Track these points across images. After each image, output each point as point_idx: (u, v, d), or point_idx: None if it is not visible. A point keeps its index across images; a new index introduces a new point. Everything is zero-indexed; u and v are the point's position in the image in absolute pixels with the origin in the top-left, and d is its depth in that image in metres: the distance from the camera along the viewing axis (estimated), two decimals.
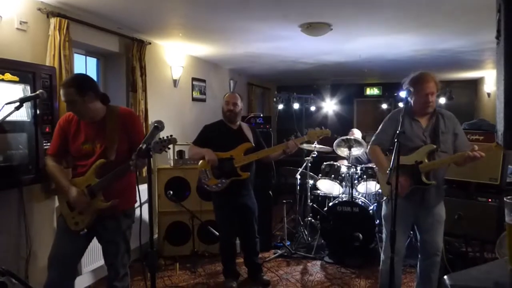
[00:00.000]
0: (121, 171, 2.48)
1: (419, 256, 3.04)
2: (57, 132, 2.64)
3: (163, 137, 2.43)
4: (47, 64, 3.24)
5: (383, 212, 3.08)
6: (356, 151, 5.04)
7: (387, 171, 2.45)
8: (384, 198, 3.09)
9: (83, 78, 2.67)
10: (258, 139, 3.76)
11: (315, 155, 5.16)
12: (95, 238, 2.71)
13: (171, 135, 2.46)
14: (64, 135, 2.61)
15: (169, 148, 2.46)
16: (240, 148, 3.52)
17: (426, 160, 2.78)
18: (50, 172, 2.62)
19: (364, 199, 4.79)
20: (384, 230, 3.07)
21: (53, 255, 2.57)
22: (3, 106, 2.41)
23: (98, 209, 2.53)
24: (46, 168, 2.65)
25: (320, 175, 5.12)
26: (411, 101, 2.89)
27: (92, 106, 2.54)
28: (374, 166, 4.90)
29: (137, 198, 2.54)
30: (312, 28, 4.20)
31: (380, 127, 3.07)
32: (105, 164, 2.51)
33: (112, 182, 2.50)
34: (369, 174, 4.82)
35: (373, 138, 3.08)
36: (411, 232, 3.85)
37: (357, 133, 5.76)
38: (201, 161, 3.55)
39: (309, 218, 5.10)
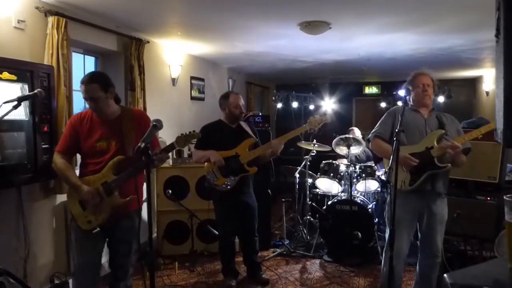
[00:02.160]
0: (140, 168, 2.45)
1: (419, 255, 3.03)
2: (68, 130, 2.63)
3: (186, 132, 2.47)
4: (45, 63, 3.23)
5: (386, 213, 3.08)
6: (355, 150, 5.04)
7: (386, 170, 2.45)
8: (388, 197, 3.08)
9: (104, 74, 2.70)
10: (257, 136, 3.76)
11: (314, 154, 5.16)
12: None
13: (194, 130, 2.51)
14: (76, 134, 2.60)
15: (192, 143, 2.50)
16: (244, 144, 3.53)
17: (436, 145, 2.80)
18: (59, 169, 2.58)
19: (363, 197, 4.79)
20: (386, 230, 3.07)
21: (81, 265, 2.60)
22: (1, 105, 2.41)
23: (115, 205, 2.50)
24: (54, 165, 2.61)
25: (319, 173, 5.12)
26: (411, 97, 2.97)
27: (112, 103, 2.58)
28: (373, 165, 4.91)
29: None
30: (311, 26, 4.19)
31: (379, 121, 3.10)
32: (123, 160, 2.50)
33: (130, 178, 2.48)
34: (368, 173, 4.82)
35: (372, 131, 3.09)
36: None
37: (357, 132, 5.76)
38: (206, 163, 3.55)
39: (308, 217, 5.10)
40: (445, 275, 1.30)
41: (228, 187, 3.51)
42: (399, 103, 3.58)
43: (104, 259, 3.79)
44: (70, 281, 3.51)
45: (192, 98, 6.07)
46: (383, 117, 3.09)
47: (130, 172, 2.47)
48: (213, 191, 3.65)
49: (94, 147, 2.57)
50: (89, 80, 2.50)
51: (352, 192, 4.62)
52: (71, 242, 3.46)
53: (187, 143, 2.48)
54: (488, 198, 3.41)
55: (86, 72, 4.24)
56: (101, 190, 2.48)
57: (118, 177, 2.48)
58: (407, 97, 2.90)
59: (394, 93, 7.89)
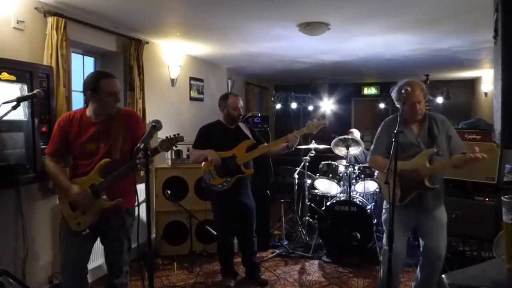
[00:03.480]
0: (126, 170, 2.47)
1: (421, 260, 3.00)
2: (57, 132, 2.60)
3: (170, 136, 2.44)
4: (44, 63, 3.23)
5: (383, 218, 3.07)
6: (354, 151, 5.04)
7: (384, 171, 2.46)
8: (384, 204, 3.07)
9: None
10: (256, 135, 3.77)
11: (313, 155, 5.17)
12: None
13: (178, 134, 2.49)
14: (65, 135, 2.58)
15: (176, 146, 2.48)
16: (241, 145, 3.53)
17: (427, 165, 2.77)
18: (50, 172, 2.60)
19: (362, 198, 4.79)
20: (384, 234, 3.05)
21: (65, 262, 2.60)
22: (0, 106, 2.41)
23: (102, 208, 2.52)
24: (46, 168, 2.62)
25: (318, 174, 5.12)
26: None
27: None
28: None
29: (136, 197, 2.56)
30: (310, 27, 4.20)
31: (375, 137, 3.08)
32: (109, 163, 2.50)
33: (116, 181, 2.49)
34: (367, 174, 4.83)
35: (371, 149, 3.10)
36: (409, 232, 3.85)
37: (356, 133, 5.76)
38: (203, 163, 3.55)
39: (307, 218, 5.10)
40: (443, 275, 1.31)
41: (224, 187, 3.52)
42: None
43: (101, 261, 3.81)
44: None
45: (191, 98, 6.08)
46: (377, 132, 3.06)
47: (115, 175, 2.48)
48: (211, 191, 3.65)
49: (83, 149, 2.56)
50: (114, 76, 2.59)
51: (351, 193, 4.62)
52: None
53: (171, 147, 2.48)
54: (487, 199, 3.42)
55: (86, 73, 4.25)
56: (89, 192, 2.50)
57: (104, 180, 2.50)
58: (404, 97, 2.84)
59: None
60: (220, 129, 3.68)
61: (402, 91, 2.70)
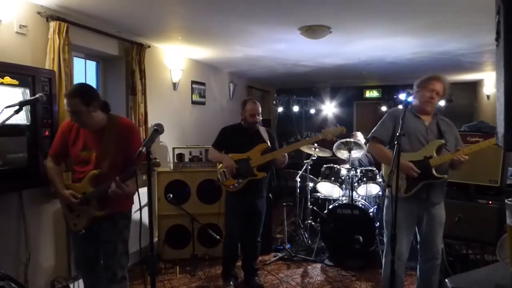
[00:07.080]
0: (109, 186, 2.52)
1: (419, 258, 3.03)
2: (58, 136, 2.74)
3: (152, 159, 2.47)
4: (46, 67, 3.23)
5: (384, 217, 3.06)
6: (356, 154, 5.03)
7: (387, 174, 2.45)
8: (386, 202, 3.07)
9: (87, 88, 2.69)
10: (273, 141, 3.82)
11: (315, 158, 5.16)
12: None
13: (155, 158, 2.47)
14: (64, 140, 2.70)
15: (153, 170, 2.54)
16: (256, 148, 3.60)
17: (435, 155, 2.80)
18: (48, 173, 2.74)
19: (364, 201, 4.78)
20: (385, 234, 3.06)
21: (75, 260, 2.81)
22: (2, 110, 2.41)
23: (92, 215, 2.62)
24: (46, 169, 2.76)
25: (320, 177, 5.11)
26: (413, 100, 2.94)
27: (96, 115, 2.61)
28: (375, 169, 4.91)
29: (136, 201, 2.58)
30: (312, 31, 4.21)
31: (379, 122, 3.07)
32: (98, 175, 2.59)
33: (104, 193, 2.55)
34: (369, 177, 4.82)
35: (371, 132, 3.06)
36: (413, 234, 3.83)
37: (360, 136, 5.74)
38: (220, 164, 3.67)
39: (309, 221, 5.09)
40: (446, 279, 1.30)
41: (235, 188, 3.60)
42: (400, 107, 3.56)
43: None
44: (71, 285, 3.51)
45: (193, 102, 6.08)
46: (383, 117, 3.06)
47: (100, 189, 2.56)
48: (227, 192, 3.77)
49: (78, 156, 2.67)
50: (72, 94, 2.55)
51: (353, 196, 4.61)
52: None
53: (150, 171, 2.49)
54: (490, 202, 3.41)
55: (88, 77, 4.27)
56: (82, 198, 2.61)
57: (93, 191, 2.60)
58: (411, 98, 2.85)
59: (395, 97, 7.89)
60: (240, 131, 3.77)
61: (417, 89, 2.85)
